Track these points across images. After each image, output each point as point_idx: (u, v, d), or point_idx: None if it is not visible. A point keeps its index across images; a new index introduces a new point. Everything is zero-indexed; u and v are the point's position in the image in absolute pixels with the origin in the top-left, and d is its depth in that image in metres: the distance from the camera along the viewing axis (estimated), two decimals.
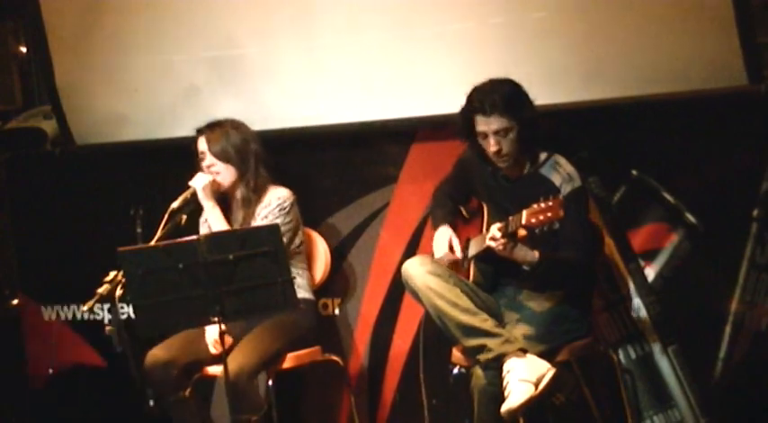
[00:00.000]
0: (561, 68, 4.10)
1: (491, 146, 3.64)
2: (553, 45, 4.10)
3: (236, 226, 4.08)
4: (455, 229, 3.90)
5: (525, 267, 3.59)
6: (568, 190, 3.61)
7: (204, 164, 4.08)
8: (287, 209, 4.02)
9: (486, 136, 3.65)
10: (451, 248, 3.84)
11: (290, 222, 4.02)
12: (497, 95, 3.61)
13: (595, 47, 4.06)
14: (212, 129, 4.10)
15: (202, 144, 4.09)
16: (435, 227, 3.93)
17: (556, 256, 3.60)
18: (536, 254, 3.55)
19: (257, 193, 4.06)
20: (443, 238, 3.86)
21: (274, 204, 4.02)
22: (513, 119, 3.61)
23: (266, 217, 3.98)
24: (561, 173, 3.67)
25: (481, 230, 3.72)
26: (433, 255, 3.91)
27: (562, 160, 3.73)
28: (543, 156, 3.75)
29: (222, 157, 4.06)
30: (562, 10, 4.07)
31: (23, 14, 5.03)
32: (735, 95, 3.90)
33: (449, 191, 4.01)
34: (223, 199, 4.15)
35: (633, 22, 3.99)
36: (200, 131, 4.13)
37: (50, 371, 4.59)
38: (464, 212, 3.95)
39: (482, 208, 3.81)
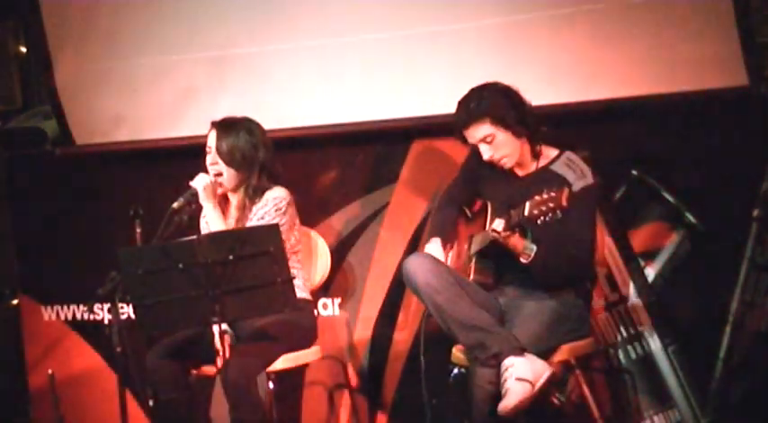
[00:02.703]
0: (561, 68, 4.10)
1: (483, 154, 3.66)
2: (553, 45, 4.10)
3: (230, 225, 4.06)
4: (451, 239, 3.88)
5: (523, 260, 3.59)
6: (581, 186, 3.61)
7: (208, 160, 4.05)
8: (283, 209, 4.00)
9: (477, 146, 3.67)
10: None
11: (285, 223, 4.00)
12: (473, 104, 3.65)
13: (596, 47, 4.06)
14: (226, 127, 4.02)
15: (212, 139, 4.05)
16: (428, 238, 3.91)
17: (555, 250, 3.60)
18: (533, 249, 3.56)
19: (253, 199, 4.03)
20: (435, 250, 3.81)
21: (270, 204, 4.00)
22: (493, 123, 3.63)
23: (262, 218, 3.97)
24: (575, 169, 3.67)
25: (484, 227, 3.72)
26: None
27: (575, 157, 3.73)
28: (554, 152, 3.75)
29: (227, 159, 4.01)
30: (562, 10, 4.07)
31: (23, 14, 5.02)
32: (735, 95, 3.90)
33: (454, 194, 3.99)
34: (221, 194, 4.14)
35: (633, 22, 3.99)
36: (213, 125, 4.06)
37: (50, 371, 4.58)
38: (467, 213, 3.95)
39: (486, 207, 3.80)
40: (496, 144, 3.65)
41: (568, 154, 3.75)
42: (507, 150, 3.67)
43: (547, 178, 3.66)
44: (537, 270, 3.60)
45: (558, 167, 3.71)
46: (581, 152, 4.09)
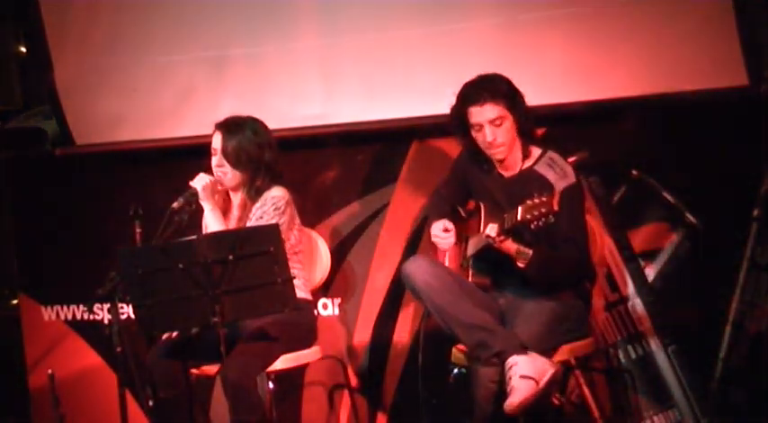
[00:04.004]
0: (560, 68, 4.10)
1: (486, 136, 3.66)
2: (553, 45, 4.10)
3: (232, 224, 4.07)
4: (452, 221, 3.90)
5: (520, 264, 3.60)
6: (563, 186, 3.61)
7: (213, 161, 4.05)
8: (281, 208, 3.99)
9: (480, 127, 3.67)
10: (448, 231, 3.80)
11: (284, 223, 3.99)
12: (490, 85, 3.66)
13: (595, 47, 4.06)
14: (231, 129, 4.01)
15: (216, 141, 4.04)
16: (429, 224, 3.92)
17: (550, 252, 3.60)
18: (529, 253, 3.57)
19: (254, 199, 4.03)
20: (438, 225, 3.80)
21: (269, 204, 3.99)
22: (506, 108, 3.64)
23: (261, 217, 3.96)
24: (556, 170, 3.68)
25: (479, 230, 3.72)
26: (432, 252, 3.91)
27: (556, 156, 3.74)
28: (537, 152, 3.76)
29: (233, 160, 4.00)
30: (562, 10, 4.07)
31: (23, 14, 5.02)
32: (735, 95, 3.90)
33: (445, 193, 4.00)
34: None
35: (633, 22, 4.00)
36: (218, 127, 4.05)
37: (50, 371, 4.58)
38: (462, 213, 3.95)
39: (479, 207, 3.81)
40: (503, 130, 3.66)
41: (550, 154, 3.75)
42: (507, 139, 3.68)
43: (530, 179, 3.67)
44: (533, 273, 3.61)
45: (541, 168, 3.72)
46: (581, 152, 4.11)
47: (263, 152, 4.00)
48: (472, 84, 3.70)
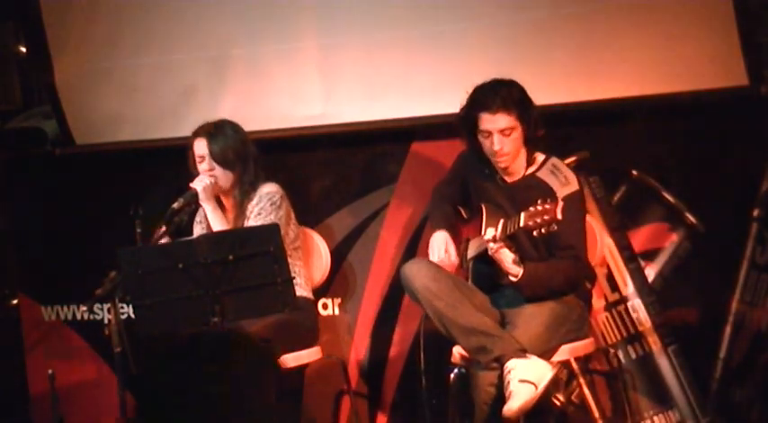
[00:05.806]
0: (561, 68, 4.10)
1: (494, 144, 3.64)
2: (553, 45, 4.10)
3: (229, 226, 4.07)
4: (453, 232, 3.89)
5: (511, 278, 3.60)
6: (565, 193, 3.60)
7: (202, 167, 4.05)
8: (277, 203, 4.01)
9: (489, 134, 3.65)
10: (447, 253, 3.82)
11: (282, 217, 4.00)
12: (505, 93, 3.62)
13: (595, 47, 4.06)
14: (213, 132, 4.04)
15: (201, 147, 4.05)
16: (432, 229, 3.92)
17: (542, 269, 3.60)
18: (520, 270, 3.57)
19: (249, 195, 4.04)
20: (440, 243, 3.82)
21: (265, 200, 4.01)
22: (518, 118, 3.62)
23: (259, 214, 3.97)
24: (559, 176, 3.67)
25: (480, 231, 3.72)
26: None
27: (559, 163, 3.74)
28: (541, 158, 3.75)
29: (223, 161, 4.02)
30: (562, 10, 4.07)
31: (23, 14, 5.02)
32: (735, 95, 3.90)
33: (447, 192, 4.00)
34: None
35: (633, 22, 4.00)
36: (197, 134, 4.07)
37: (50, 371, 4.58)
38: (463, 213, 3.95)
39: (480, 209, 3.80)
40: (511, 139, 3.64)
41: (553, 160, 3.74)
42: (513, 149, 3.67)
43: (533, 185, 3.67)
44: (525, 289, 3.62)
45: (543, 174, 3.71)
46: (581, 152, 4.11)
47: (246, 147, 4.05)
48: (487, 88, 3.65)
